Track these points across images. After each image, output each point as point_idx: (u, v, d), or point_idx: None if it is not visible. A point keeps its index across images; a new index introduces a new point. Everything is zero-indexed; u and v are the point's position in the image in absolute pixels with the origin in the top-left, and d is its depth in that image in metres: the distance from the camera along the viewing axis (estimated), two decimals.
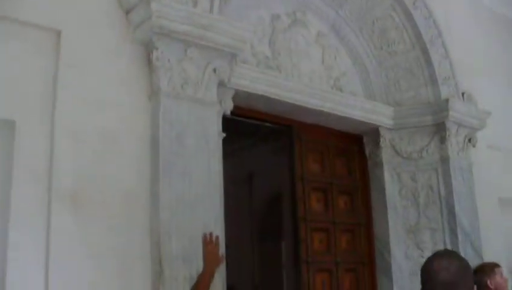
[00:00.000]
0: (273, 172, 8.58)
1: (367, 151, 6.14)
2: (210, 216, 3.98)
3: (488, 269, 4.40)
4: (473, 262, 4.26)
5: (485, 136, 6.37)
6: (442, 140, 5.91)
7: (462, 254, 3.69)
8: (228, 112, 4.60)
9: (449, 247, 5.50)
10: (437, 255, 2.49)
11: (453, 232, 5.69)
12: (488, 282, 4.30)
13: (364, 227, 5.96)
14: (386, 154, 5.99)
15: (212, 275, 3.83)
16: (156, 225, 3.76)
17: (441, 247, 5.71)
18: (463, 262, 2.46)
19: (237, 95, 4.68)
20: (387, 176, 5.95)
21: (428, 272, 2.43)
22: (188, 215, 3.86)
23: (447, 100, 5.85)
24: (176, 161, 3.90)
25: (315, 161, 5.74)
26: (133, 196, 3.80)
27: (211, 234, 3.91)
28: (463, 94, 6.20)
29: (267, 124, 5.46)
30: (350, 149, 6.12)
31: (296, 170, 5.50)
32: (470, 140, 6.16)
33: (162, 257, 3.68)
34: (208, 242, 3.89)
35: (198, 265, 3.78)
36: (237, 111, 4.80)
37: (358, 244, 5.90)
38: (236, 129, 5.25)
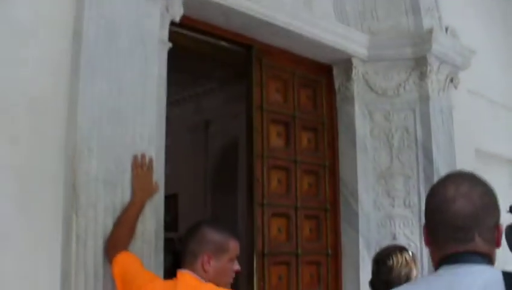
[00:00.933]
0: (231, 119, 7.96)
1: (336, 84, 5.33)
2: (143, 134, 3.19)
3: None
4: None
5: (466, 79, 5.68)
6: (422, 77, 5.17)
7: None
8: (177, 19, 3.80)
9: (423, 197, 4.81)
10: (453, 177, 1.69)
11: (429, 181, 4.94)
12: None
13: (329, 169, 5.21)
14: (358, 88, 5.21)
15: (141, 206, 3.08)
16: (72, 138, 2.94)
17: (414, 196, 5.07)
18: (489, 189, 1.67)
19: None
20: (358, 113, 5.18)
21: (439, 199, 1.65)
22: (114, 129, 3.06)
23: (430, 31, 5.11)
24: (102, 60, 3.08)
25: (277, 90, 4.94)
26: (44, 102, 2.96)
27: (142, 156, 3.15)
28: (446, 29, 5.49)
29: (223, 43, 4.63)
30: (318, 80, 5.31)
31: (254, 99, 4.70)
32: (452, 80, 5.47)
33: (77, 178, 2.89)
34: (139, 165, 3.14)
35: (124, 192, 3.04)
36: (188, 22, 4.02)
37: (321, 188, 5.14)
38: (185, 46, 4.49)
